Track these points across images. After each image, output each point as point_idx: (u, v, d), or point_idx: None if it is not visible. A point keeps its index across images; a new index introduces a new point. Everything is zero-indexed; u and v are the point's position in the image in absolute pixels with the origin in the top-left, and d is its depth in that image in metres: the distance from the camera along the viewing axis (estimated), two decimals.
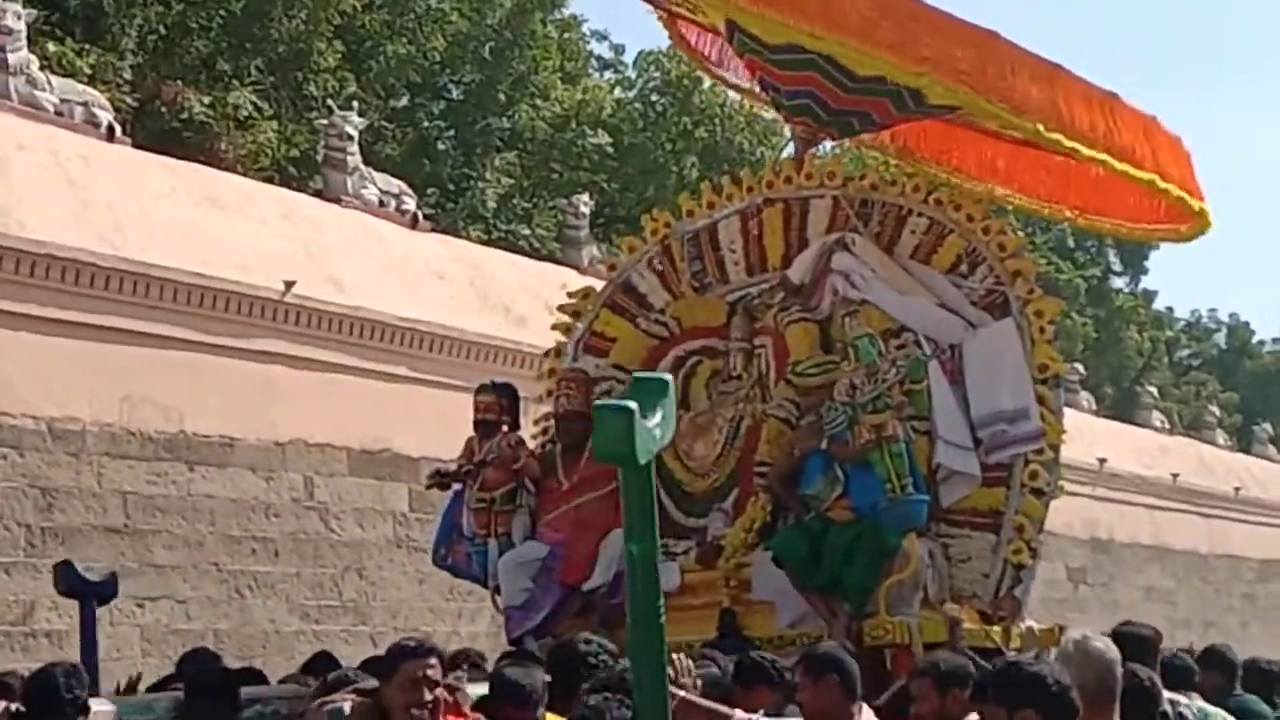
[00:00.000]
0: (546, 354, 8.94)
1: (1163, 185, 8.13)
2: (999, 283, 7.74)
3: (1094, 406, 30.93)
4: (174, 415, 13.36)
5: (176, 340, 13.44)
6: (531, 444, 8.46)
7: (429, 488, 8.66)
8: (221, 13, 22.62)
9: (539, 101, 27.42)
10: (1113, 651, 4.51)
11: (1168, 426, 33.56)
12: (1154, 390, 35.34)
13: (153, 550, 13.04)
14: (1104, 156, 7.86)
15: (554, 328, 8.97)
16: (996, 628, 7.23)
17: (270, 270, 14.36)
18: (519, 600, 7.86)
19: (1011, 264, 7.77)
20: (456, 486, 8.33)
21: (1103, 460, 26.98)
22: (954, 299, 7.83)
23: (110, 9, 21.03)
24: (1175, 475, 29.10)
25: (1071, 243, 41.77)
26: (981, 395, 7.53)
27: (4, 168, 12.89)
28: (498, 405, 8.30)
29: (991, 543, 7.37)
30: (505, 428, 8.29)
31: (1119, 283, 45.34)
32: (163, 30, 22.11)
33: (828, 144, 9.47)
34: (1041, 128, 7.61)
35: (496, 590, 8.09)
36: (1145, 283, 47.04)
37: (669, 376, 3.22)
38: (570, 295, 8.96)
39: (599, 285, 9.00)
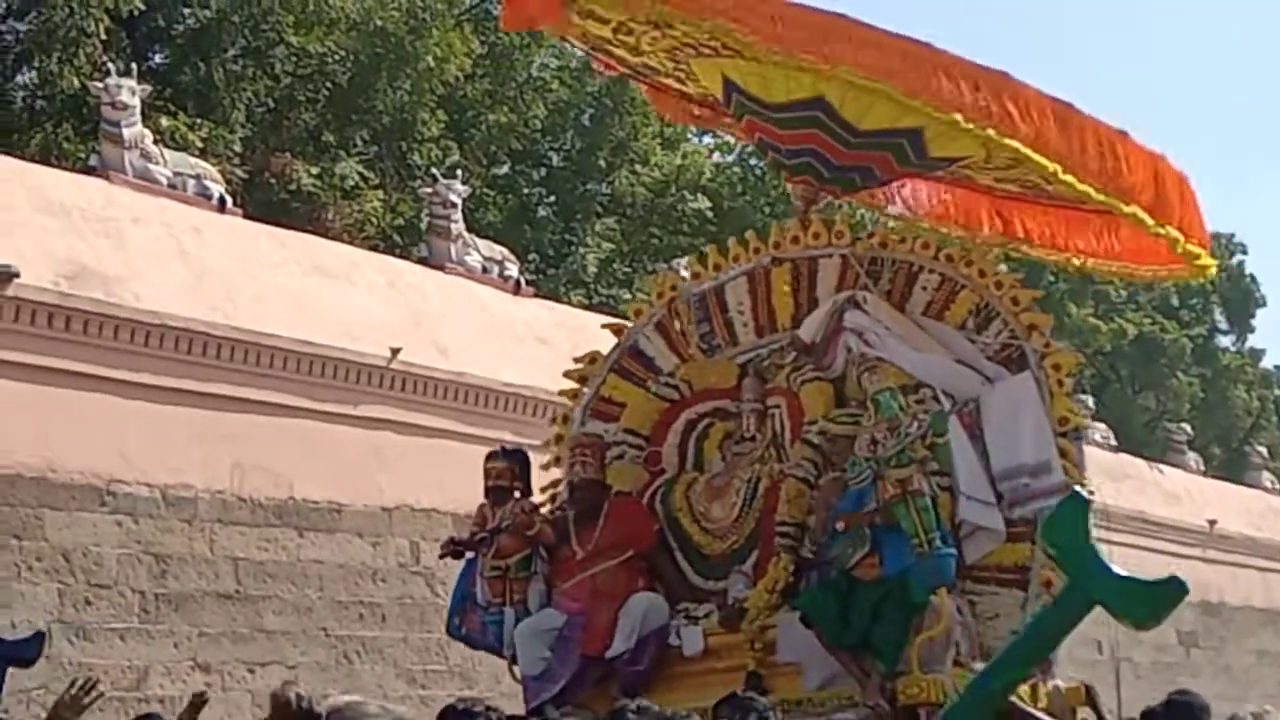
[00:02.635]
0: (552, 421, 8.91)
1: (1165, 231, 8.04)
2: (1014, 337, 7.70)
3: (1202, 467, 30.48)
4: (283, 481, 13.56)
5: (285, 407, 13.66)
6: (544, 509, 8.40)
7: (442, 556, 8.47)
8: (327, 86, 23.05)
9: (638, 167, 27.63)
10: None
11: (1278, 487, 32.98)
12: (1263, 450, 34.76)
13: (263, 615, 13.21)
14: (1114, 201, 7.80)
15: (561, 394, 8.92)
16: (1024, 686, 7.16)
17: (376, 337, 14.56)
18: (537, 670, 7.76)
19: (1026, 318, 7.73)
20: (470, 555, 8.21)
21: (1213, 522, 26.55)
22: (969, 354, 7.78)
23: (220, 84, 21.51)
24: None
25: (1176, 301, 41.30)
26: (1001, 449, 7.45)
27: (120, 240, 13.21)
28: (510, 472, 8.22)
29: (1019, 599, 7.25)
30: (518, 494, 8.20)
31: (1225, 341, 44.71)
32: (271, 104, 22.57)
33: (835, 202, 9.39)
34: (1059, 169, 7.57)
35: (513, 659, 7.97)
36: (1252, 341, 46.37)
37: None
38: (576, 360, 8.92)
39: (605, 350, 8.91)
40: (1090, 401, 29.50)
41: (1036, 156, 7.54)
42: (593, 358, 8.79)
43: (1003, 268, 8.20)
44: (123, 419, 12.53)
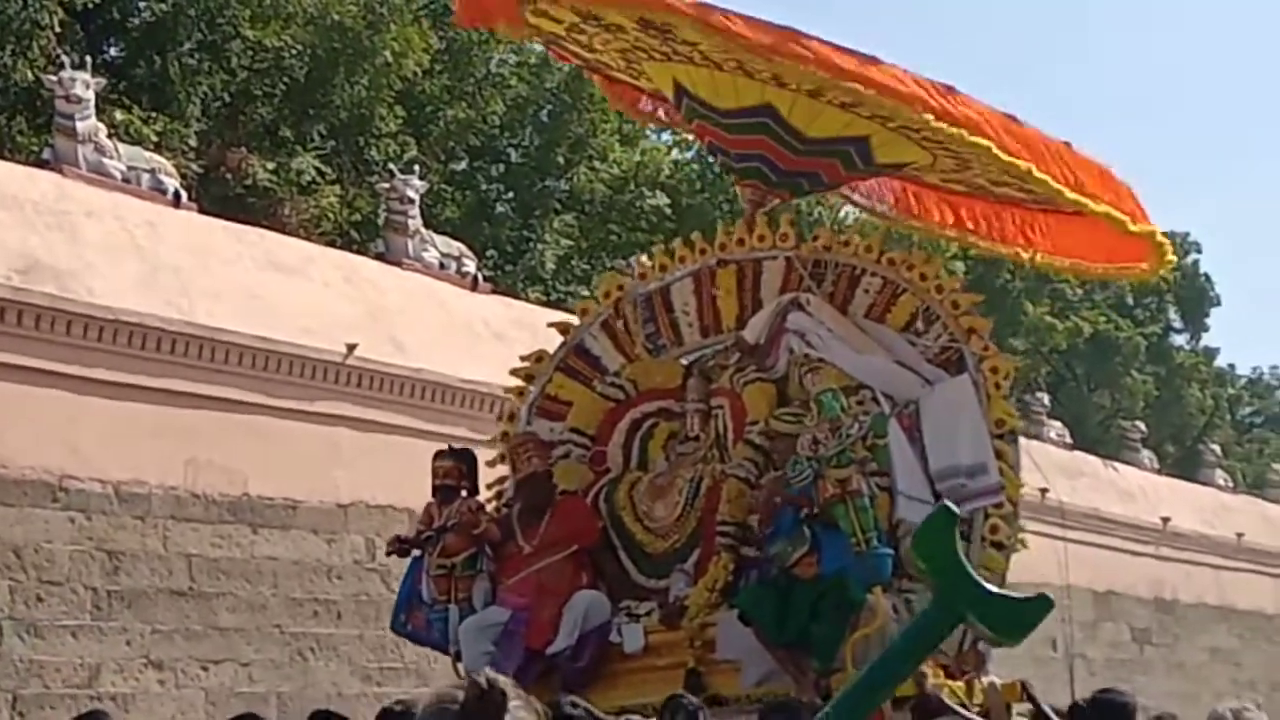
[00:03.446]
0: (499, 418, 8.95)
1: (1135, 228, 8.16)
2: (954, 340, 7.81)
3: (1156, 465, 30.70)
4: (238, 478, 13.49)
5: (240, 403, 13.59)
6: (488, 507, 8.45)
7: (389, 554, 8.61)
8: (284, 80, 22.94)
9: (597, 164, 27.61)
10: None
11: (1231, 485, 33.24)
12: (1217, 448, 35.03)
13: (217, 613, 13.14)
14: (1085, 200, 7.90)
15: (507, 391, 8.98)
16: (959, 683, 7.23)
17: (333, 333, 14.50)
18: (481, 665, 7.72)
19: (966, 321, 7.84)
20: (416, 553, 8.28)
21: (1166, 519, 26.74)
22: (910, 356, 7.89)
23: (176, 78, 21.37)
24: (1240, 534, 28.79)
25: (1131, 300, 41.57)
26: (939, 450, 7.57)
27: (73, 234, 13.11)
28: (457, 471, 8.30)
29: None
30: (465, 493, 8.28)
31: (1179, 340, 45.05)
32: (227, 98, 22.45)
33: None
34: (1034, 169, 7.68)
35: (458, 656, 8.04)
36: (1206, 340, 46.73)
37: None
38: (523, 359, 8.95)
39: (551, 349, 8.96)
40: (1046, 399, 29.66)
41: (1006, 157, 7.63)
42: (539, 356, 8.85)
43: (944, 272, 8.26)
44: (75, 415, 12.43)
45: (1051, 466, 25.46)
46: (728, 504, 7.72)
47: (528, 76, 26.56)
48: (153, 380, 12.98)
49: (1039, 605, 2.90)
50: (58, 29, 20.05)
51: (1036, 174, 7.72)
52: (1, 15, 19.83)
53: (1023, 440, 25.33)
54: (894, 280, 8.01)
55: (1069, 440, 28.07)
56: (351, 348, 14.49)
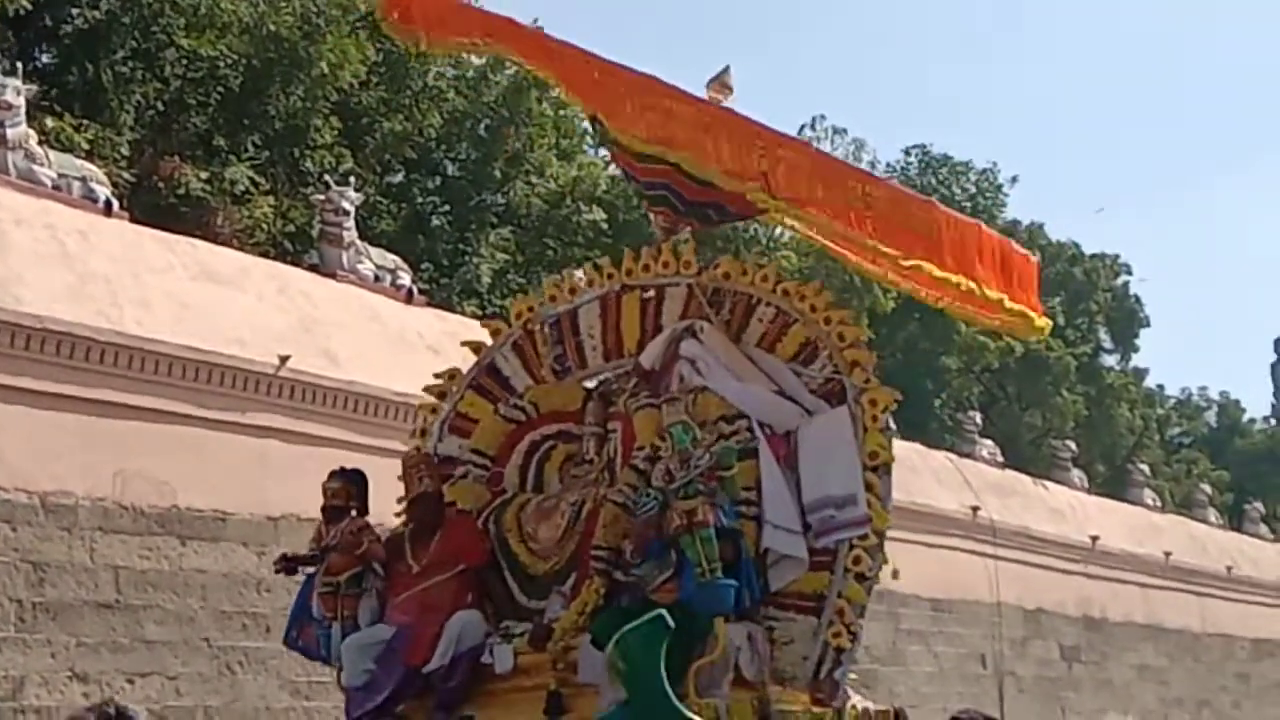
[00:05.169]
0: (410, 434, 9.00)
1: (1009, 305, 8.27)
2: (837, 371, 7.90)
3: (1086, 484, 30.98)
4: (167, 490, 13.35)
5: (170, 414, 13.46)
6: (397, 523, 8.54)
7: (277, 572, 8.68)
8: (219, 89, 22.79)
9: (534, 178, 27.60)
10: None
11: (1159, 504, 33.60)
12: (1145, 468, 35.41)
13: (144, 626, 13.00)
14: (973, 285, 8.00)
15: (419, 408, 9.04)
16: (829, 708, 7.33)
17: (265, 344, 14.40)
18: (360, 681, 7.88)
19: (850, 354, 7.93)
20: (309, 570, 8.40)
21: (1095, 538, 26.98)
22: (793, 387, 7.97)
23: (109, 85, 21.20)
24: (1168, 553, 29.09)
25: (1063, 320, 41.96)
26: (813, 481, 7.65)
27: (2, 241, 12.96)
28: (345, 491, 8.35)
29: (813, 625, 7.48)
30: (354, 513, 8.36)
31: (1110, 360, 45.52)
32: (160, 106, 22.29)
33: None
34: (906, 262, 7.78)
35: (340, 672, 8.16)
36: (1136, 360, 47.27)
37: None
38: (437, 375, 9.02)
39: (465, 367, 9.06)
40: (978, 418, 29.90)
41: (889, 250, 7.75)
42: (452, 374, 8.89)
43: (833, 305, 8.34)
44: (3, 424, 12.28)
45: (983, 485, 25.68)
46: (603, 529, 7.78)
47: (465, 90, 26.53)
48: (82, 390, 12.84)
49: None
50: None
51: (903, 263, 7.81)
52: None
53: (955, 459, 25.60)
54: (786, 310, 8.12)
55: (1000, 459, 28.28)
56: (284, 359, 14.39)
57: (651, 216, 8.84)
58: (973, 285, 7.94)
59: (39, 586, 12.36)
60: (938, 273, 7.77)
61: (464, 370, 8.88)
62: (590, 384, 8.57)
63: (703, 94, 8.29)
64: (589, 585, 7.69)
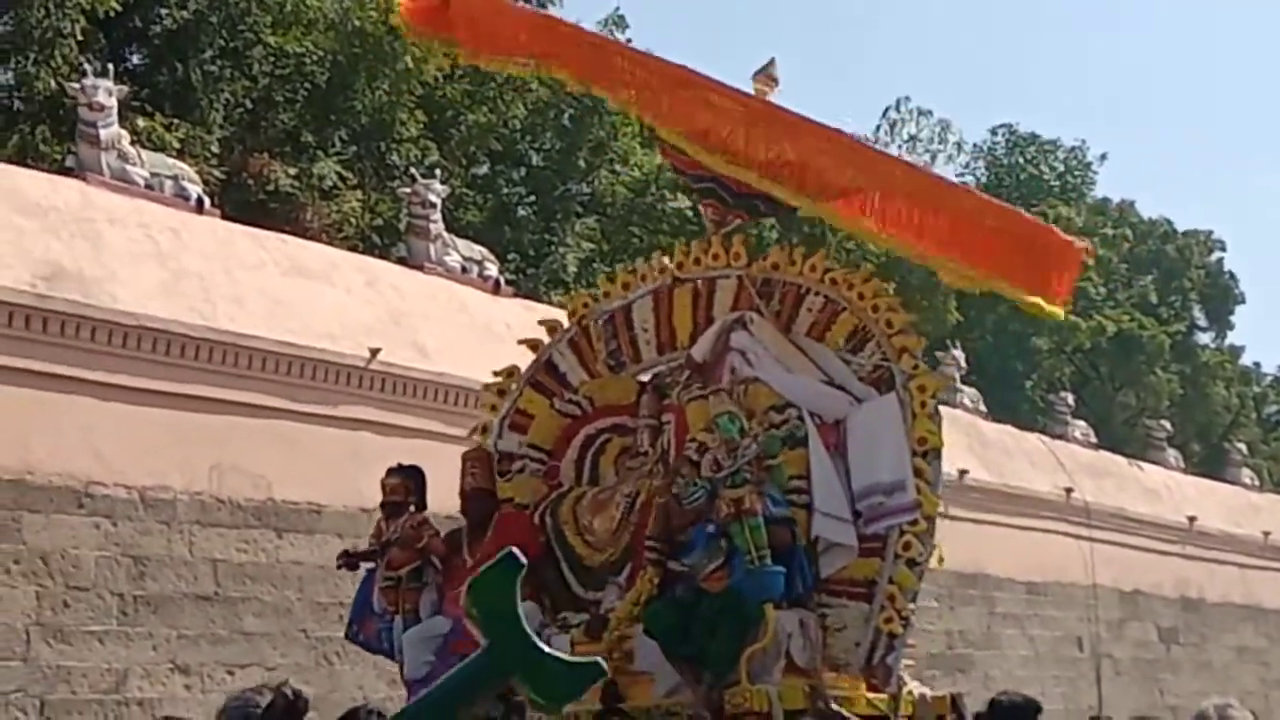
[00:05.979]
0: (471, 432, 9.08)
1: (1029, 298, 8.21)
2: (885, 359, 7.94)
3: (1182, 464, 30.59)
4: (262, 483, 13.52)
5: (264, 408, 13.62)
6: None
7: (339, 568, 8.90)
8: (306, 86, 23.00)
9: (618, 167, 27.66)
10: None
11: (1257, 483, 33.10)
12: (1243, 446, 34.89)
13: (242, 618, 13.17)
14: (999, 283, 7.98)
15: (480, 405, 9.11)
16: (884, 695, 7.39)
17: (356, 338, 14.53)
18: (420, 673, 8.01)
19: (898, 340, 7.97)
20: (369, 565, 8.55)
21: (1192, 519, 26.64)
22: (842, 375, 8.02)
23: (198, 84, 21.46)
24: (1267, 533, 28.66)
25: (1155, 299, 41.45)
26: (862, 468, 7.71)
27: (96, 241, 13.16)
28: (404, 487, 8.56)
29: (865, 612, 7.55)
30: (413, 508, 8.52)
31: (1204, 338, 44.91)
32: (249, 104, 22.53)
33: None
34: (976, 274, 7.84)
35: (402, 665, 8.30)
36: (1231, 338, 46.57)
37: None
38: (496, 374, 9.09)
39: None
40: (1070, 399, 29.60)
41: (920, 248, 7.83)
42: (511, 371, 8.97)
43: (882, 291, 8.34)
44: (100, 421, 12.48)
45: (1076, 466, 25.45)
46: (655, 520, 7.84)
47: (548, 81, 26.54)
48: (177, 386, 13.02)
49: (587, 671, 2.87)
50: (80, 37, 20.15)
51: (978, 278, 7.88)
52: (24, 24, 19.94)
53: (1048, 440, 25.30)
54: (835, 299, 8.18)
55: (1094, 440, 28.00)
56: (374, 352, 14.51)
57: (701, 209, 8.92)
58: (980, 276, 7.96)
59: (139, 580, 12.55)
60: (952, 265, 7.82)
61: (522, 368, 9.00)
62: (644, 377, 8.67)
63: (762, 86, 8.31)
64: (643, 575, 7.80)
